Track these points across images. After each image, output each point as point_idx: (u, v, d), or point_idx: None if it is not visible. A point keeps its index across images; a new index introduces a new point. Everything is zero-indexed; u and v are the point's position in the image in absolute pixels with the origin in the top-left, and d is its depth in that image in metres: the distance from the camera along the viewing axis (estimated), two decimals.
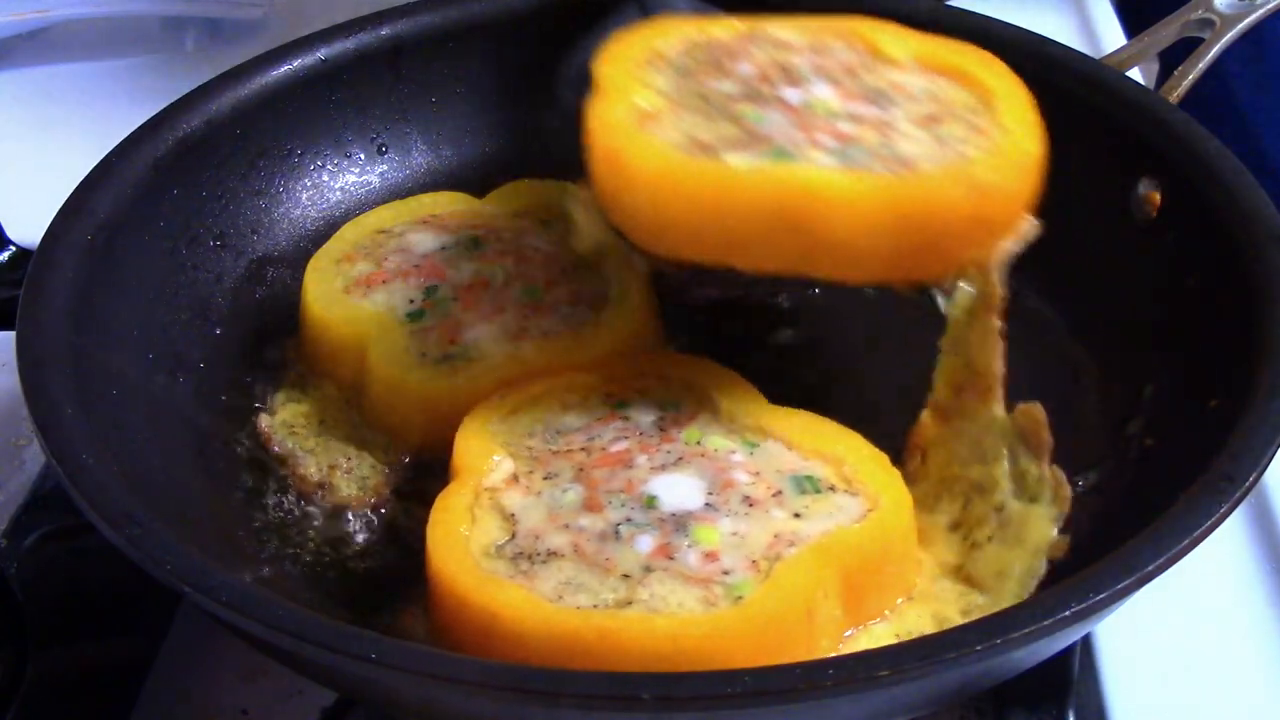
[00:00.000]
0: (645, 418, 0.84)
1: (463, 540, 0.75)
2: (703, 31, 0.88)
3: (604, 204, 0.81)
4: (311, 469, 0.88)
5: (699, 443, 0.81)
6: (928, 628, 0.78)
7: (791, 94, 0.82)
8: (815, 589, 0.73)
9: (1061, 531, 0.81)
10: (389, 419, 0.89)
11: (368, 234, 0.97)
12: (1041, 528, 0.81)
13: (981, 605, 0.79)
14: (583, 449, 0.81)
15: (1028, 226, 0.80)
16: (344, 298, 0.92)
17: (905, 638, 0.77)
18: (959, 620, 0.78)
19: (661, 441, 0.81)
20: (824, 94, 0.82)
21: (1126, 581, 0.66)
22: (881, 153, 0.77)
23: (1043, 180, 0.81)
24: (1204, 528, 0.69)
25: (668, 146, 0.77)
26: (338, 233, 0.98)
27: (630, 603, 0.72)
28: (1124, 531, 0.72)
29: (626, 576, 0.73)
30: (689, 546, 0.74)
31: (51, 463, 0.74)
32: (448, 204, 1.01)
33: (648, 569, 0.73)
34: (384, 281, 0.93)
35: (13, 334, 0.81)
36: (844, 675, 0.63)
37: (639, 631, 0.70)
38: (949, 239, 0.77)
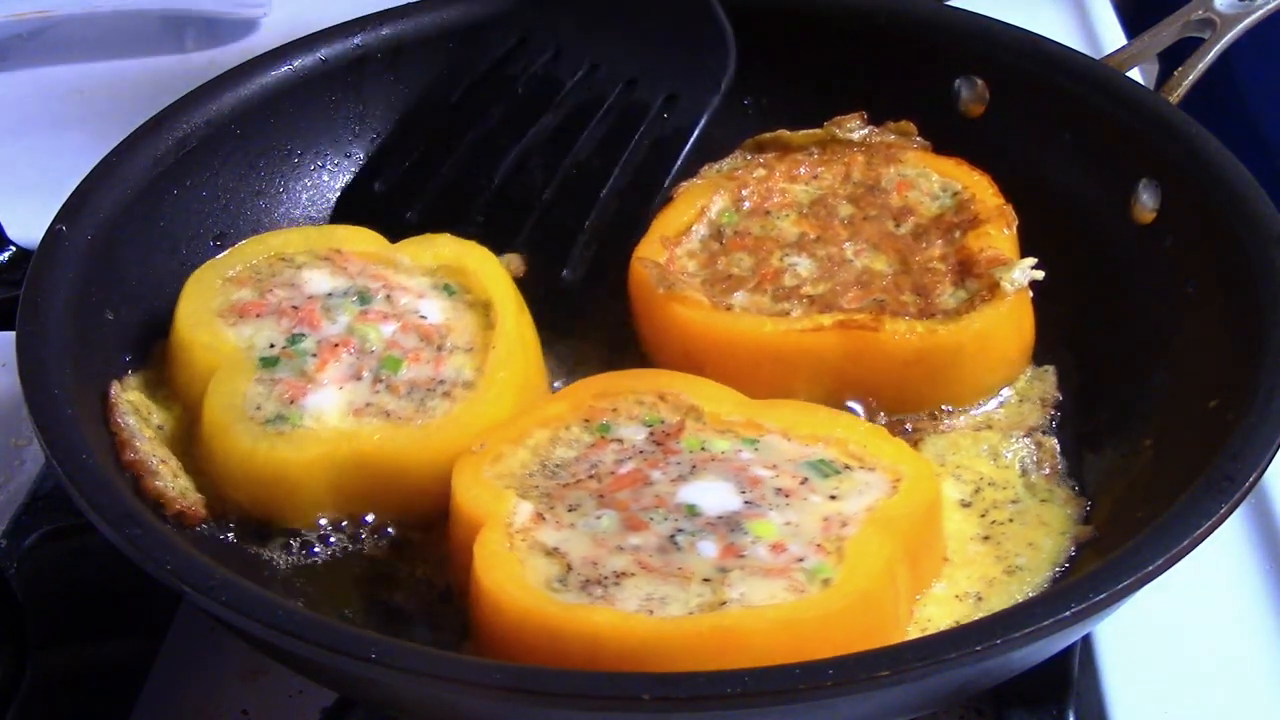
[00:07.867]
0: (636, 436, 0.83)
1: (525, 578, 0.74)
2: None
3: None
4: (144, 450, 0.82)
5: (703, 448, 0.81)
6: (978, 587, 0.79)
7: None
8: (891, 559, 0.74)
9: (1084, 522, 0.83)
10: (210, 460, 0.84)
11: (267, 257, 0.92)
12: (1061, 517, 0.83)
13: (1022, 565, 0.80)
14: (591, 477, 0.80)
15: None
16: (213, 321, 0.87)
17: (963, 598, 0.79)
18: (1005, 579, 0.80)
19: (666, 455, 0.81)
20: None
21: (1126, 581, 0.66)
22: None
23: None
24: (1204, 528, 0.69)
25: None
26: (237, 246, 0.94)
27: (723, 603, 0.71)
28: (1124, 532, 0.72)
29: (707, 580, 0.73)
30: (754, 543, 0.74)
31: (51, 463, 0.74)
32: (361, 241, 0.94)
33: (723, 570, 0.73)
34: (258, 315, 0.87)
35: (13, 334, 0.81)
36: (844, 675, 0.63)
37: (753, 625, 0.70)
38: None
